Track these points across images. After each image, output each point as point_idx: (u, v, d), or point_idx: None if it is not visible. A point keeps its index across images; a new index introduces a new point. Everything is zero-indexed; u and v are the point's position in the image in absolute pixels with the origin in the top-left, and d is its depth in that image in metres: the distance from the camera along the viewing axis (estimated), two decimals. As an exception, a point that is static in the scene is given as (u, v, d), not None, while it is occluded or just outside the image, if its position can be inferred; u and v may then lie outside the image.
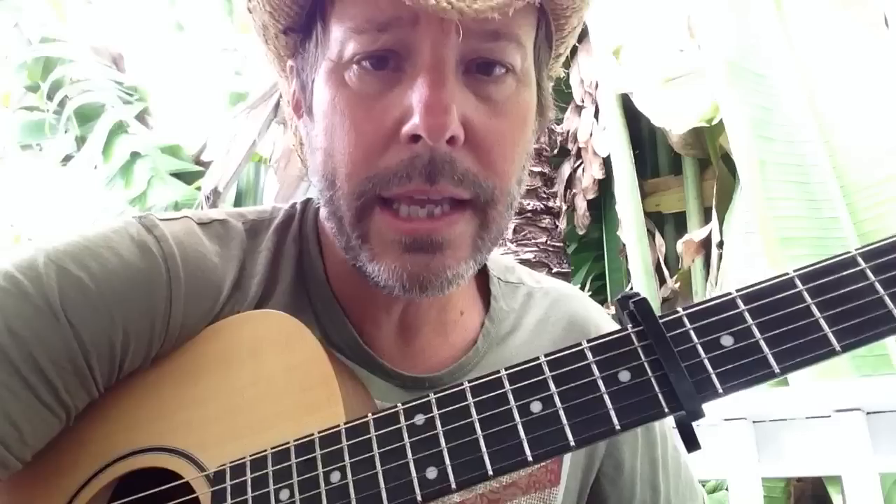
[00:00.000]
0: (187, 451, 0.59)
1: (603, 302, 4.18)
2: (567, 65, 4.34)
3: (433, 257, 0.59)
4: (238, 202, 5.45)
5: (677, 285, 3.75)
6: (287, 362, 0.60)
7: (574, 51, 4.34)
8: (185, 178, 5.58)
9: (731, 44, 2.73)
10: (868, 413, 1.54)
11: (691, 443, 0.46)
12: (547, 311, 0.82)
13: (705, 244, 3.51)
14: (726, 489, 2.45)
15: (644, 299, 0.49)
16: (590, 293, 4.08)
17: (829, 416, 1.58)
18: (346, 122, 0.59)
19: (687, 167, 3.97)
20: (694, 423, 0.46)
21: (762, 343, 0.45)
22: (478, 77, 0.59)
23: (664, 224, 4.20)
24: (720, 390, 0.45)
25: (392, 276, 0.59)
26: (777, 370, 0.45)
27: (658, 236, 4.04)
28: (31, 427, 0.59)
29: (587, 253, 4.48)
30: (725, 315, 0.47)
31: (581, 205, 4.20)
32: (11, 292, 0.59)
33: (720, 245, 3.31)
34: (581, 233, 4.27)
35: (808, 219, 2.39)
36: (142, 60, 6.15)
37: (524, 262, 3.60)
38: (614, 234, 4.13)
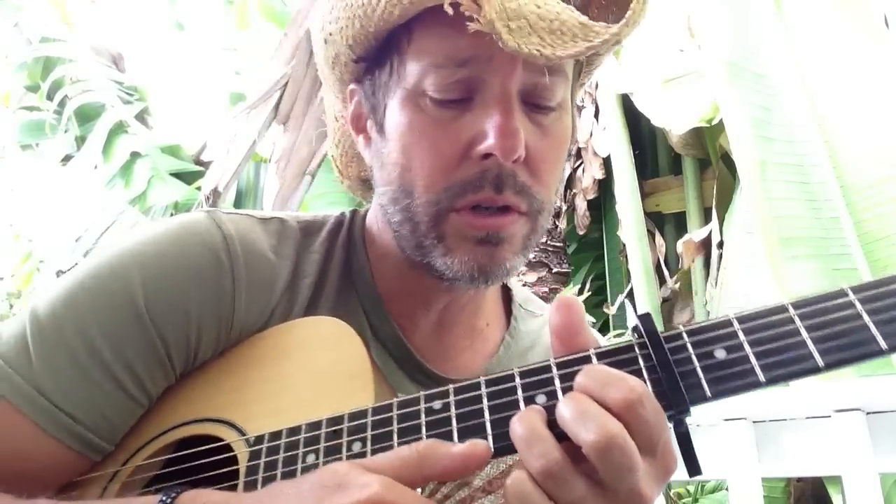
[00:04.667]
0: (234, 422, 0.68)
1: (602, 302, 4.18)
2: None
3: (497, 249, 0.69)
4: (238, 202, 5.45)
5: (677, 285, 3.75)
6: (332, 357, 0.68)
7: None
8: (185, 178, 5.58)
9: (731, 44, 2.73)
10: (868, 413, 1.54)
11: (693, 467, 0.50)
12: None
13: (705, 244, 3.51)
14: (726, 489, 2.45)
15: (648, 315, 0.54)
16: (590, 293, 4.08)
17: (829, 416, 1.58)
18: (425, 142, 0.69)
19: (687, 167, 3.97)
20: (696, 449, 0.50)
21: (751, 356, 0.50)
22: (532, 108, 0.70)
23: (664, 224, 4.20)
24: (709, 394, 0.50)
25: (463, 266, 0.69)
26: (763, 380, 0.49)
27: (658, 236, 4.04)
28: (120, 418, 0.69)
29: (587, 253, 4.48)
30: (721, 332, 0.52)
31: (581, 205, 4.20)
32: (101, 295, 0.67)
33: (720, 245, 3.31)
34: (581, 233, 4.28)
35: (808, 219, 2.39)
36: (142, 60, 6.15)
37: (524, 262, 3.60)
38: (614, 234, 4.13)
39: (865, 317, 0.49)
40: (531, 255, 3.68)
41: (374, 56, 0.73)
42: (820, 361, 0.48)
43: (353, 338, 0.68)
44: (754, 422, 1.68)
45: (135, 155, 5.45)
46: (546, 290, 3.73)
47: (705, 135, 3.64)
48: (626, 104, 3.76)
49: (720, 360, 0.50)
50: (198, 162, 5.68)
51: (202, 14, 5.86)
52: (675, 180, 4.15)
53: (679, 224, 4.09)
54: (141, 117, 5.93)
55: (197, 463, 0.67)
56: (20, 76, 5.99)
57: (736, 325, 0.51)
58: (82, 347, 0.66)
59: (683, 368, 0.51)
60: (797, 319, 0.50)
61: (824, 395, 1.62)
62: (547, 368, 0.54)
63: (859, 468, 1.53)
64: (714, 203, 3.53)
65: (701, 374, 0.50)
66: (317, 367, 0.68)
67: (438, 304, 0.79)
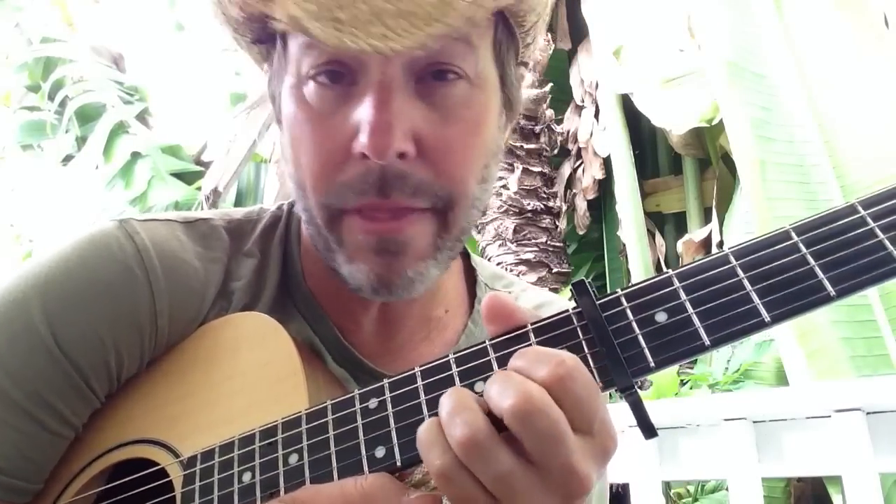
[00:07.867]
0: (167, 442, 0.63)
1: (603, 302, 4.17)
2: (567, 64, 4.35)
3: (395, 259, 0.60)
4: (238, 202, 5.45)
5: (677, 285, 3.75)
6: (261, 358, 0.63)
7: (574, 51, 4.34)
8: (186, 178, 5.58)
9: (731, 44, 2.73)
10: (868, 413, 1.53)
11: (648, 430, 0.46)
12: None
13: (705, 244, 3.51)
14: (726, 489, 2.45)
15: (582, 282, 0.49)
16: (590, 293, 4.07)
17: (829, 416, 1.58)
18: (309, 135, 0.61)
19: (687, 167, 3.97)
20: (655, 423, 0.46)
21: (694, 317, 0.46)
22: (430, 83, 0.60)
23: (664, 224, 4.20)
24: (652, 364, 0.46)
25: (364, 277, 0.61)
26: (707, 342, 0.45)
27: (658, 236, 4.03)
28: (45, 456, 0.64)
29: (587, 253, 4.48)
30: (660, 293, 0.48)
31: (581, 205, 4.20)
32: (2, 333, 0.61)
33: (720, 245, 3.31)
34: (581, 233, 4.27)
35: (808, 219, 2.39)
36: (142, 60, 6.15)
37: (524, 262, 3.60)
38: (614, 234, 4.13)
39: (811, 260, 0.45)
40: (530, 256, 3.63)
41: (269, 38, 0.65)
42: (766, 316, 0.44)
43: (279, 333, 0.63)
44: (754, 422, 1.67)
45: (135, 155, 5.46)
46: (546, 290, 3.73)
47: (705, 135, 3.64)
48: (626, 104, 3.76)
49: (661, 325, 0.47)
50: (198, 162, 5.69)
51: (202, 15, 5.86)
52: (675, 180, 4.15)
53: (679, 224, 4.09)
54: (141, 117, 5.93)
55: (134, 492, 0.63)
56: (21, 76, 5.99)
57: (676, 282, 0.47)
58: None
59: (624, 338, 0.47)
60: (740, 271, 0.46)
61: (824, 395, 1.62)
62: (484, 352, 0.50)
63: (859, 468, 1.52)
64: (714, 203, 3.53)
65: (643, 343, 0.46)
66: (246, 371, 0.63)
67: (374, 303, 0.71)
